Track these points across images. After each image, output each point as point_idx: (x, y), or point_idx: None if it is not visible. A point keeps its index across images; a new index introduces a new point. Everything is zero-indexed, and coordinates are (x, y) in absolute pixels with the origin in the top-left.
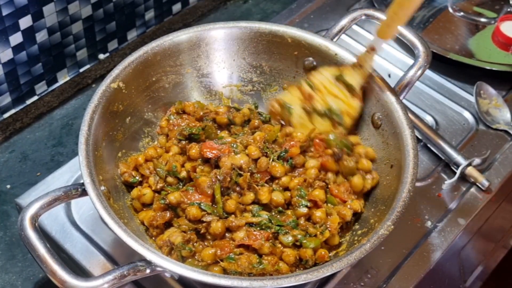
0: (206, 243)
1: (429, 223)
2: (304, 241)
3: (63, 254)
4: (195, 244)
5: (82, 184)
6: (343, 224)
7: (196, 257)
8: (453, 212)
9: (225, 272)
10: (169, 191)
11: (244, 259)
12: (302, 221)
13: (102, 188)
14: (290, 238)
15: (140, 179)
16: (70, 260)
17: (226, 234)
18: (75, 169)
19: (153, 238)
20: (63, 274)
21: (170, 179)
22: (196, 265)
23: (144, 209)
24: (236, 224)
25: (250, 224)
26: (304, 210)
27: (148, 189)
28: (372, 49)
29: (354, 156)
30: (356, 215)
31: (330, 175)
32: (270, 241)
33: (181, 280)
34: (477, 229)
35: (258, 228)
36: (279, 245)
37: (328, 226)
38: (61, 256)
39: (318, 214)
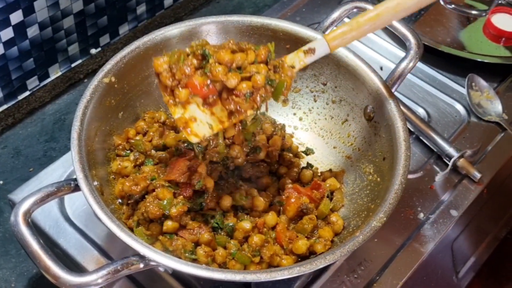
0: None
1: (421, 215)
2: (236, 255)
3: (57, 249)
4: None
5: (75, 179)
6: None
7: (145, 226)
8: (445, 204)
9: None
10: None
11: (180, 242)
12: (240, 234)
13: (95, 183)
14: (220, 240)
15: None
16: (64, 256)
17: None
18: (68, 165)
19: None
20: (57, 269)
21: (153, 152)
22: (142, 235)
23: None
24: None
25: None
26: (247, 225)
27: (129, 162)
28: (311, 51)
29: (323, 220)
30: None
31: (283, 218)
32: (211, 233)
33: (175, 274)
34: (469, 221)
35: (204, 219)
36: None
37: (261, 253)
38: (54, 252)
39: (255, 239)
